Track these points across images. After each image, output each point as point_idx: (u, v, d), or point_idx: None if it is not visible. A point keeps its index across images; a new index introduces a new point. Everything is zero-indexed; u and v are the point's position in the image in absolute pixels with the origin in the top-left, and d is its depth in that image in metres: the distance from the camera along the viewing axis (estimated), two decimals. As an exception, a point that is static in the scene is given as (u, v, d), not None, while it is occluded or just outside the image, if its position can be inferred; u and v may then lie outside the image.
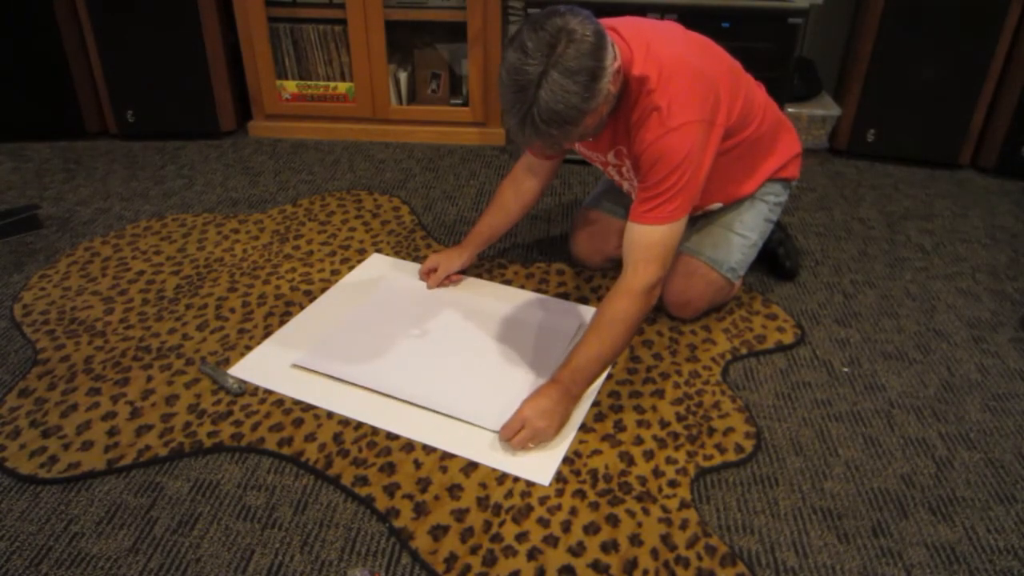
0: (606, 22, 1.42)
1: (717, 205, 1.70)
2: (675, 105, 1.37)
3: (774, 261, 1.88)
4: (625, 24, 1.44)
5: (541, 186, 1.75)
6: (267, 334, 1.66)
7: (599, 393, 1.51)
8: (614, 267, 1.88)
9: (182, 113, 2.56)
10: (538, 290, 1.82)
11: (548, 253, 1.98)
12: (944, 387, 1.56)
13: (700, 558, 1.18)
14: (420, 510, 1.25)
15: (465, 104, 2.62)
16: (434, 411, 1.45)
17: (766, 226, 1.72)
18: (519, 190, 1.74)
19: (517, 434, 1.34)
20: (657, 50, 1.39)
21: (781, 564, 1.18)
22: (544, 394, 1.37)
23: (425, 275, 1.82)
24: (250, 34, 2.50)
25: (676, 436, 1.41)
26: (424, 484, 1.30)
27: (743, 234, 1.69)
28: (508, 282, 1.85)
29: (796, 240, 2.04)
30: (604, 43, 1.25)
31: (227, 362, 1.58)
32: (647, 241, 1.41)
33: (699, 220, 1.71)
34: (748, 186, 1.68)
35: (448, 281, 1.82)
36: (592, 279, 1.87)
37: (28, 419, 1.43)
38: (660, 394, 1.51)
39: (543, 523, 1.23)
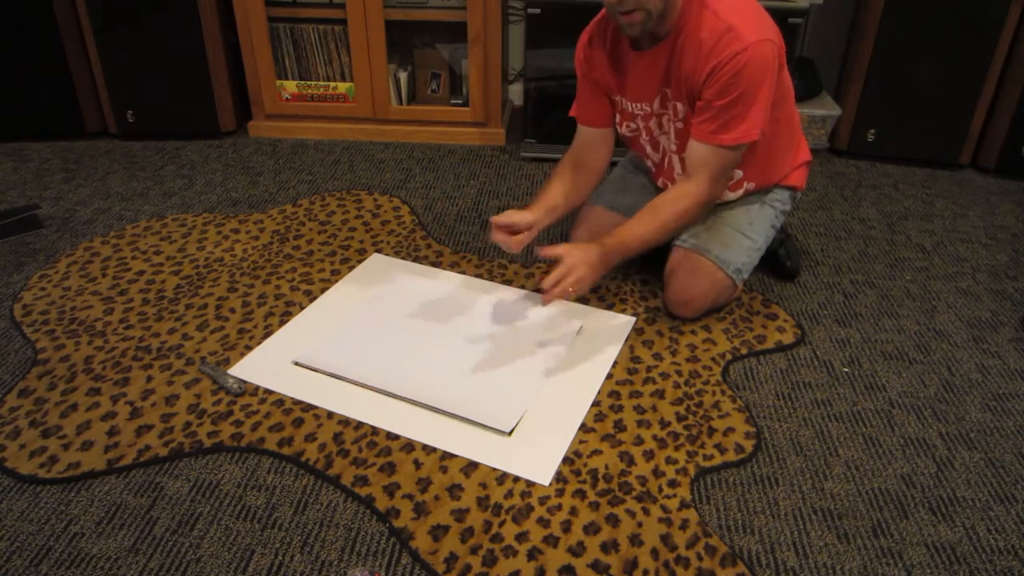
0: None
1: (735, 194, 1.70)
2: (747, 22, 1.41)
3: (775, 261, 1.88)
4: None
5: (602, 167, 1.75)
6: (267, 334, 1.66)
7: (599, 393, 1.51)
8: (613, 270, 1.88)
9: (182, 113, 2.56)
10: (538, 290, 1.82)
11: (548, 253, 1.98)
12: (944, 387, 1.55)
13: (700, 558, 1.18)
14: (420, 510, 1.25)
15: (465, 104, 2.62)
16: (434, 410, 1.45)
17: (771, 232, 1.73)
18: (579, 173, 1.73)
19: (561, 281, 1.44)
20: None
21: (781, 564, 1.18)
22: (587, 249, 1.48)
23: (505, 230, 1.58)
24: (250, 34, 2.50)
25: (676, 436, 1.41)
26: (424, 484, 1.30)
27: (751, 237, 1.69)
28: (508, 282, 1.85)
29: (796, 240, 2.04)
30: None
31: (227, 362, 1.58)
32: (720, 160, 1.50)
33: (708, 218, 1.71)
34: (776, 172, 1.70)
35: (518, 240, 1.59)
36: (592, 279, 1.87)
37: (28, 419, 1.43)
38: (660, 394, 1.51)
39: (543, 523, 1.23)
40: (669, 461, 1.35)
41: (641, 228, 1.53)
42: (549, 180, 1.73)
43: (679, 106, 1.56)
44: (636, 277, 1.87)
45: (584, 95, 1.70)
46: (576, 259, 1.46)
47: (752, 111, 1.45)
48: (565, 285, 1.45)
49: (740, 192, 1.70)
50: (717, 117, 1.46)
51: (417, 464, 1.34)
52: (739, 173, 1.65)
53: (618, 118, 1.70)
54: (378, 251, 1.98)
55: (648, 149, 1.71)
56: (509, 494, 1.28)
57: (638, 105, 1.63)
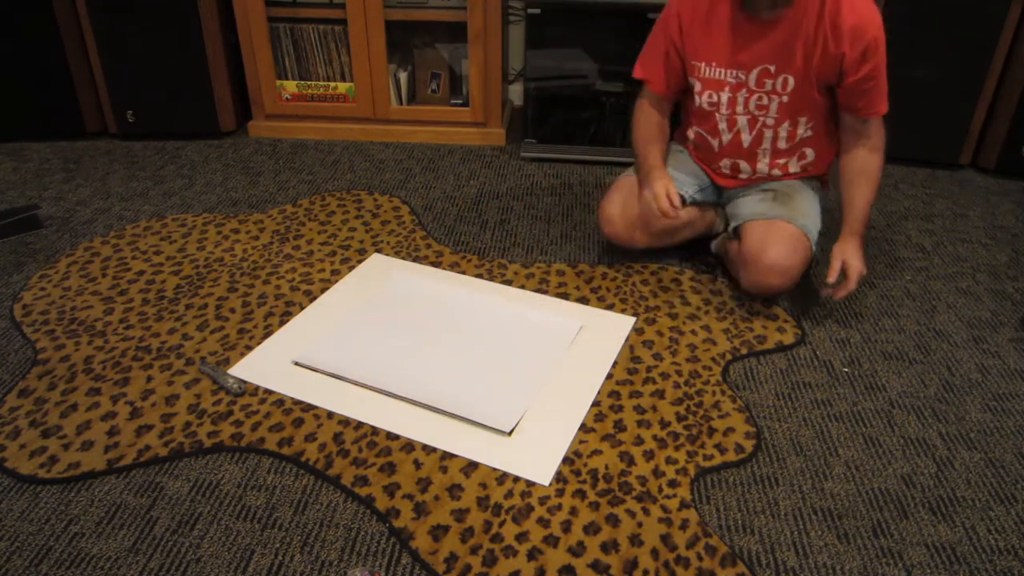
0: None
1: (795, 168, 1.78)
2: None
3: None
4: None
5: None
6: (267, 334, 1.66)
7: (599, 393, 1.51)
8: (640, 254, 1.92)
9: (182, 113, 2.56)
10: (538, 290, 1.82)
11: (548, 253, 1.98)
12: (944, 387, 1.55)
13: (700, 558, 1.18)
14: (420, 510, 1.25)
15: (465, 104, 2.61)
16: (434, 410, 1.45)
17: (818, 219, 1.78)
18: (661, 124, 1.80)
19: (847, 283, 1.61)
20: None
21: (781, 564, 1.18)
22: (851, 244, 1.63)
23: (664, 202, 1.67)
24: (250, 34, 2.50)
25: (676, 436, 1.41)
26: (424, 484, 1.30)
27: (813, 216, 1.74)
28: (508, 282, 1.85)
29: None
30: None
31: (227, 362, 1.58)
32: (879, 125, 1.64)
33: (777, 193, 1.75)
34: (827, 159, 1.79)
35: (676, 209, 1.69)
36: (592, 280, 1.87)
37: (28, 419, 1.43)
38: (660, 394, 1.51)
39: (543, 523, 1.23)
40: (669, 461, 1.35)
41: (866, 194, 1.64)
42: (644, 143, 1.78)
43: (790, 80, 1.60)
44: (636, 277, 1.87)
45: (655, 54, 1.72)
46: (857, 261, 1.62)
47: (884, 79, 1.59)
48: (855, 285, 1.62)
49: (797, 169, 1.78)
50: (873, 91, 1.58)
51: (417, 464, 1.34)
52: (811, 153, 1.74)
53: (699, 86, 1.69)
54: (378, 251, 1.98)
55: (722, 125, 1.72)
56: (509, 494, 1.28)
57: (731, 73, 1.63)
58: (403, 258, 1.95)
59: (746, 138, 1.71)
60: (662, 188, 1.68)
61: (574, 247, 2.01)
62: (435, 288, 1.81)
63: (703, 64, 1.66)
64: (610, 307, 1.77)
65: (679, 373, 1.56)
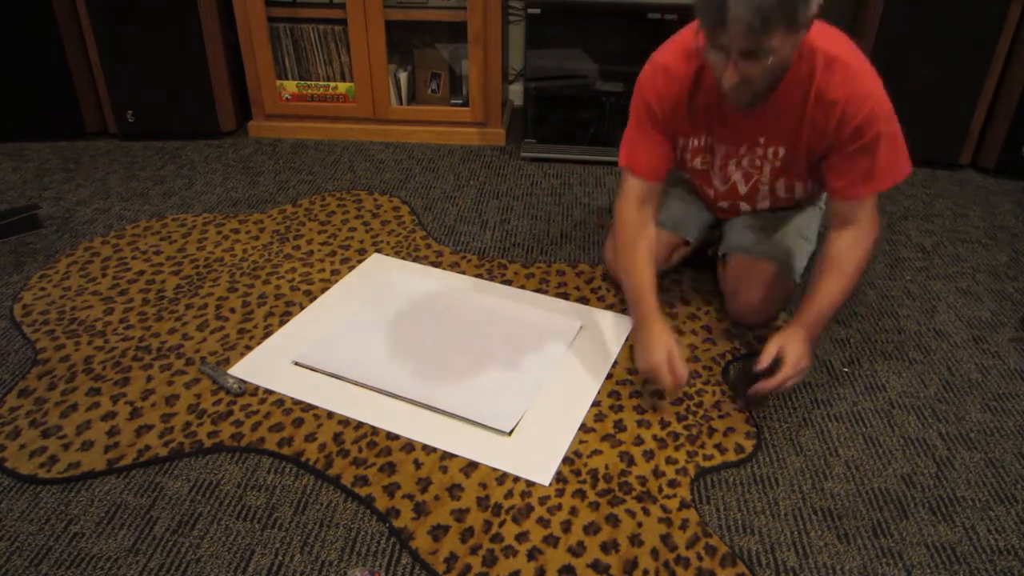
0: None
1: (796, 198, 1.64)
2: (866, 70, 1.35)
3: None
4: None
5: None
6: (267, 334, 1.66)
7: (599, 393, 1.51)
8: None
9: (182, 113, 2.56)
10: (538, 290, 1.82)
11: (548, 253, 1.98)
12: (944, 387, 1.55)
13: (700, 558, 1.18)
14: (420, 510, 1.25)
15: (465, 104, 2.61)
16: (434, 410, 1.45)
17: (818, 230, 1.70)
18: (648, 236, 1.54)
19: (783, 369, 1.37)
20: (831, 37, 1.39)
21: (781, 564, 1.18)
22: (797, 337, 1.40)
23: (668, 379, 1.43)
24: (250, 34, 2.50)
25: (676, 436, 1.41)
26: (424, 484, 1.30)
27: (810, 240, 1.69)
28: (508, 282, 1.85)
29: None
30: None
31: (227, 362, 1.58)
32: (870, 210, 1.42)
33: (769, 222, 1.67)
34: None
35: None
36: (592, 280, 1.87)
37: (28, 419, 1.43)
38: (660, 394, 1.50)
39: (543, 523, 1.23)
40: (669, 461, 1.35)
41: (832, 291, 1.41)
42: (634, 271, 1.51)
43: (780, 150, 1.48)
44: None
45: (646, 139, 1.51)
46: (797, 355, 1.38)
47: (899, 148, 1.39)
48: (791, 383, 1.40)
49: (802, 196, 1.63)
50: (863, 169, 1.38)
51: (417, 464, 1.34)
52: (814, 186, 1.59)
53: (689, 155, 1.57)
54: (378, 251, 1.98)
55: (716, 180, 1.62)
56: (509, 494, 1.28)
57: (721, 146, 1.54)
58: (403, 258, 1.95)
59: (743, 188, 1.61)
60: (663, 361, 1.41)
61: (574, 247, 2.01)
62: (435, 288, 1.81)
63: (691, 138, 1.54)
64: (610, 307, 1.77)
65: (679, 373, 1.56)
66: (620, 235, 1.54)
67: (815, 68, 1.35)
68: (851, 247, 1.42)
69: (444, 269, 1.90)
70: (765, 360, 1.39)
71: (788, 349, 1.38)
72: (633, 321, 1.52)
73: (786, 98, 1.39)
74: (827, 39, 1.36)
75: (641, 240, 1.52)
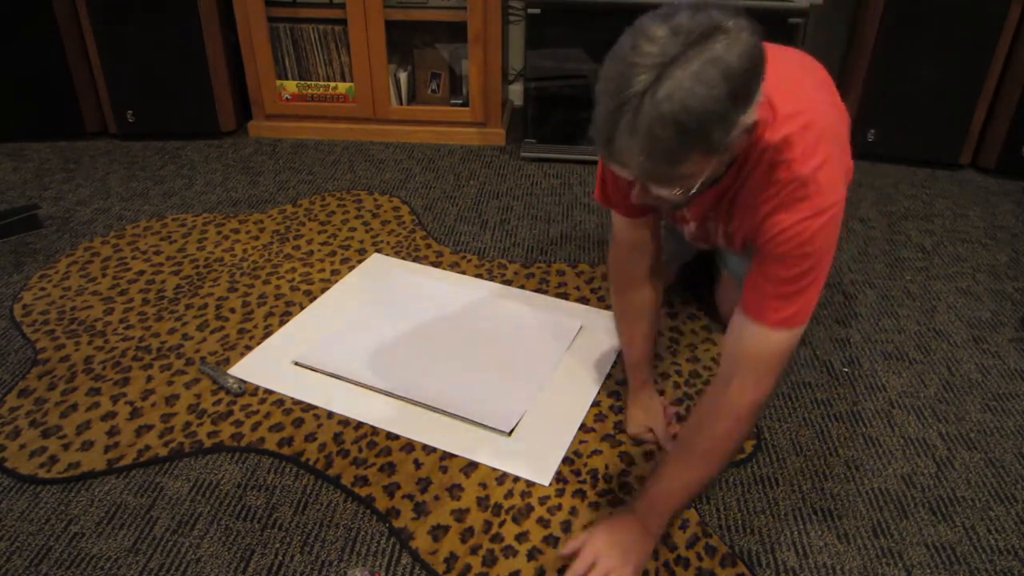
0: None
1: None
2: (825, 183, 1.03)
3: None
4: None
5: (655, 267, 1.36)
6: (267, 334, 1.66)
7: (599, 393, 1.51)
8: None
9: (182, 113, 2.56)
10: (538, 290, 1.82)
11: (548, 253, 1.98)
12: (944, 387, 1.55)
13: (700, 558, 1.18)
14: (420, 510, 1.25)
15: (465, 104, 2.61)
16: (434, 410, 1.45)
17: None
18: (641, 289, 1.36)
19: (591, 570, 1.08)
20: (803, 100, 1.06)
21: (781, 564, 1.18)
22: (621, 527, 1.12)
23: (649, 436, 1.39)
24: (250, 34, 2.50)
25: (676, 436, 1.41)
26: (424, 484, 1.30)
27: None
28: (508, 282, 1.85)
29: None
30: (759, 69, 0.90)
31: (227, 362, 1.58)
32: (768, 349, 1.07)
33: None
34: None
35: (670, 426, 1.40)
36: (592, 280, 1.87)
37: (28, 419, 1.43)
38: (660, 394, 1.50)
39: (543, 523, 1.23)
40: (669, 461, 1.35)
41: (680, 477, 1.13)
42: (626, 323, 1.39)
43: (728, 229, 1.23)
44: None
45: (612, 177, 1.25)
46: (599, 546, 1.09)
47: (814, 288, 1.08)
48: None
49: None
50: (774, 294, 1.07)
51: (417, 464, 1.34)
52: None
53: None
54: (378, 251, 1.98)
55: (684, 228, 1.38)
56: (509, 494, 1.28)
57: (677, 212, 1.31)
58: (403, 258, 1.95)
59: (704, 244, 1.42)
60: (642, 433, 1.38)
61: (574, 247, 2.01)
62: (435, 288, 1.81)
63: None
64: (610, 307, 1.77)
65: (679, 373, 1.56)
66: (612, 289, 1.40)
67: (771, 166, 1.05)
68: (712, 417, 1.11)
69: (444, 269, 1.90)
70: (566, 552, 1.12)
71: (592, 538, 1.11)
72: (626, 368, 1.44)
73: (730, 187, 1.13)
74: (795, 112, 1.04)
75: (633, 296, 1.36)
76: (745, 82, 0.87)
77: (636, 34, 0.87)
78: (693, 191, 0.99)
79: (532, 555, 1.18)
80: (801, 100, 1.06)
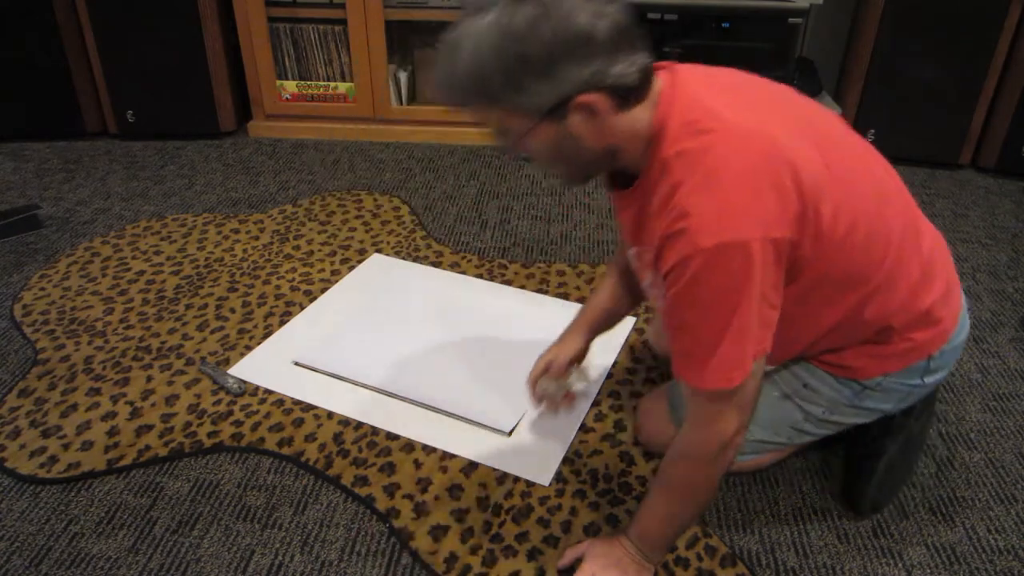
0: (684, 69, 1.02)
1: None
2: (712, 217, 0.88)
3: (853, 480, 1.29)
4: (701, 74, 0.99)
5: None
6: (267, 334, 1.66)
7: (599, 393, 1.51)
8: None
9: (182, 113, 2.56)
10: (538, 290, 1.82)
11: (548, 253, 1.98)
12: (944, 387, 1.55)
13: (700, 558, 1.18)
14: (420, 510, 1.25)
15: (465, 104, 2.61)
16: (434, 410, 1.45)
17: (793, 434, 1.23)
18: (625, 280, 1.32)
19: None
20: (715, 113, 0.93)
21: (781, 564, 1.18)
22: (612, 544, 1.12)
23: (536, 380, 1.34)
24: (250, 34, 2.50)
25: (676, 436, 1.41)
26: (424, 484, 1.30)
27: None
28: (508, 282, 1.85)
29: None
30: (579, 52, 0.89)
31: (227, 362, 1.58)
32: (704, 408, 0.98)
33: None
34: (793, 346, 1.14)
35: (566, 398, 1.37)
36: (592, 280, 1.87)
37: (28, 419, 1.43)
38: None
39: (543, 523, 1.23)
40: (669, 461, 1.35)
41: (660, 505, 1.08)
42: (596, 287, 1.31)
43: (643, 252, 1.05)
44: (636, 277, 1.87)
45: None
46: (598, 565, 1.09)
47: (725, 345, 0.91)
48: None
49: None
50: (679, 350, 0.96)
51: (417, 464, 1.34)
52: None
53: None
54: (378, 251, 1.98)
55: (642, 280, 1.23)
56: (509, 494, 1.28)
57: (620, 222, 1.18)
58: (403, 258, 1.95)
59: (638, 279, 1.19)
60: (539, 366, 1.33)
61: (574, 247, 2.01)
62: (435, 288, 1.81)
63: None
64: (610, 307, 1.77)
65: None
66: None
67: (661, 174, 0.94)
68: (673, 458, 1.04)
69: (444, 269, 1.90)
70: (564, 563, 1.15)
71: (591, 553, 1.12)
72: None
73: (643, 193, 0.99)
74: (698, 124, 0.92)
75: (615, 274, 1.34)
76: (546, 52, 0.87)
77: None
78: (518, 149, 1.00)
79: (532, 555, 1.18)
80: (731, 122, 0.91)
